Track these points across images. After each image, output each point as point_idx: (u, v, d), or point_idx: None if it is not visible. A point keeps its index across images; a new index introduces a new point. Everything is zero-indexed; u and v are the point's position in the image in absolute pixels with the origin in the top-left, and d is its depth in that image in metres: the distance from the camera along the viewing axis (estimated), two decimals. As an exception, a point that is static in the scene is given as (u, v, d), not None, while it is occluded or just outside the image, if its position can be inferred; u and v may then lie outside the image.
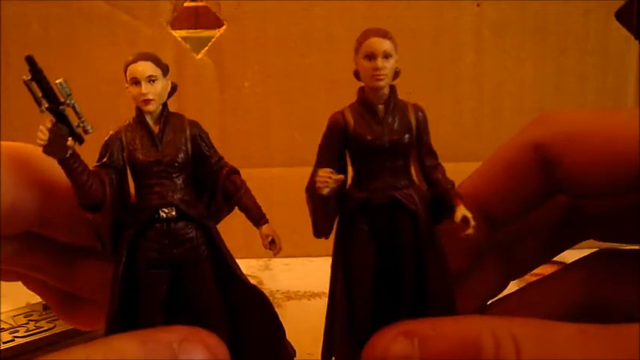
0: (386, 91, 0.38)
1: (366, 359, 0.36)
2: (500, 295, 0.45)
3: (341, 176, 0.37)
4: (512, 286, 0.46)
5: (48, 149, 0.34)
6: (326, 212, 0.38)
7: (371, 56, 0.37)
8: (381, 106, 0.38)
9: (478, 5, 0.80)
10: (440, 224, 0.39)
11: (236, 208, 0.40)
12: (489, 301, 0.45)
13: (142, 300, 0.37)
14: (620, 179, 0.36)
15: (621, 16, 0.80)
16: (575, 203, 0.43)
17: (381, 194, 0.38)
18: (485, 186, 0.41)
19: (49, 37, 0.77)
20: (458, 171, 0.40)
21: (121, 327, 0.37)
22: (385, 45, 0.37)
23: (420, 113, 0.38)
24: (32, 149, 0.39)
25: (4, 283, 0.46)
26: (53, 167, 0.39)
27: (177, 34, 0.79)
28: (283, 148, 0.82)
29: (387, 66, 0.37)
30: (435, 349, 0.33)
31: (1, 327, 0.57)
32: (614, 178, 0.36)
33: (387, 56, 0.37)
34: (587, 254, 0.44)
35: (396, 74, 0.38)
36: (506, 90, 0.82)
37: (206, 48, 0.80)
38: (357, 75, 0.38)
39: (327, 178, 0.36)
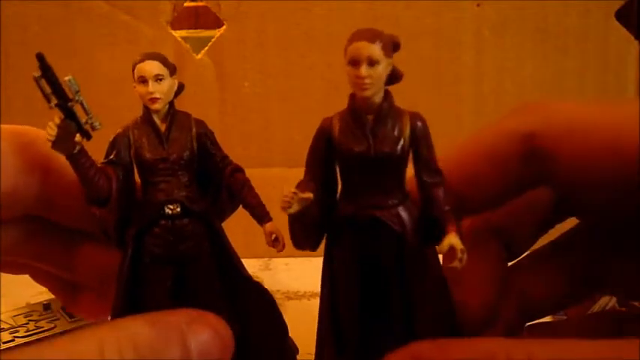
0: (376, 99, 0.34)
1: None
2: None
3: (309, 195, 0.34)
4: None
5: (56, 145, 0.35)
6: (302, 226, 0.36)
7: (354, 63, 0.33)
8: (370, 116, 0.34)
9: (478, 5, 0.80)
10: (432, 245, 0.36)
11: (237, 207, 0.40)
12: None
13: (147, 296, 0.38)
14: (622, 176, 0.34)
15: (621, 16, 0.80)
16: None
17: (364, 212, 0.35)
18: (460, 173, 0.38)
19: (49, 37, 0.77)
20: (458, 171, 0.40)
21: None
22: (370, 50, 0.32)
23: (418, 124, 0.34)
24: (34, 132, 0.39)
25: (4, 283, 0.46)
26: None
27: (177, 34, 0.79)
28: (283, 148, 0.82)
29: (373, 74, 0.32)
30: None
31: (1, 327, 0.57)
32: (616, 174, 0.34)
33: (372, 63, 0.32)
34: (576, 226, 0.43)
35: (395, 78, 0.34)
36: (506, 90, 0.82)
37: (206, 48, 0.80)
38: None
39: (290, 199, 0.33)
